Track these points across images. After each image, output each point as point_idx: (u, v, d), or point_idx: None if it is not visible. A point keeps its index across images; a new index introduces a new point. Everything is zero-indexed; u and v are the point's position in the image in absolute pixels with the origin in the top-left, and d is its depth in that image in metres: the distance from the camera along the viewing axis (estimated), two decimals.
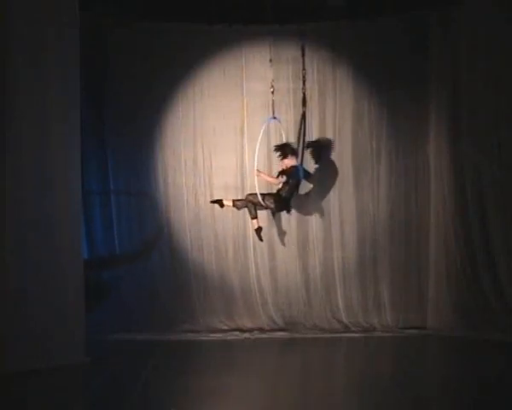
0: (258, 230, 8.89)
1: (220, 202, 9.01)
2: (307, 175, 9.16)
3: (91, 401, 6.47)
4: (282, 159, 8.86)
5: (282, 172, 8.86)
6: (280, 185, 8.86)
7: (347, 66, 9.53)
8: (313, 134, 9.47)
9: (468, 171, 9.05)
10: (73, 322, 7.60)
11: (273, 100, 9.10)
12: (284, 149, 8.86)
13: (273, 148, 8.97)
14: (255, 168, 8.79)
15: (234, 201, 9.00)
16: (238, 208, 9.02)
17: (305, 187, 9.35)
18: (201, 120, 9.57)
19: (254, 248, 9.55)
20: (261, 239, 8.93)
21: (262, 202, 8.75)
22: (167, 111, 9.59)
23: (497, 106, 8.82)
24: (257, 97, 9.45)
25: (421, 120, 9.48)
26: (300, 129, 9.31)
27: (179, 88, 9.58)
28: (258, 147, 8.67)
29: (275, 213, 9.10)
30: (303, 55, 9.39)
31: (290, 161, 8.84)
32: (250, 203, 8.85)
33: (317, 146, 9.41)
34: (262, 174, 8.93)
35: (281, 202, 8.85)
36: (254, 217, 8.88)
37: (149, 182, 9.58)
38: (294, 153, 8.90)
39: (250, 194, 8.92)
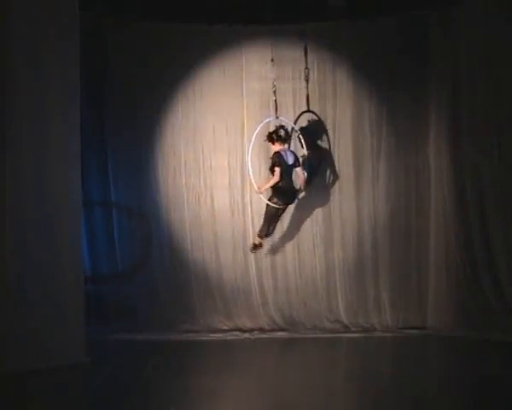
0: (258, 245, 9.02)
1: (260, 245, 9.10)
2: (296, 160, 8.94)
3: (91, 401, 6.47)
4: (272, 144, 8.87)
5: (271, 167, 8.85)
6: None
7: (347, 66, 9.53)
8: None
9: (468, 171, 9.05)
10: (73, 322, 7.59)
11: (275, 100, 9.11)
12: (271, 136, 8.86)
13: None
14: (256, 188, 8.86)
15: (260, 234, 9.03)
16: (269, 234, 9.05)
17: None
18: (201, 120, 9.57)
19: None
20: (253, 251, 9.14)
21: (277, 205, 8.79)
22: (167, 111, 9.59)
23: (497, 106, 8.81)
24: (257, 97, 9.46)
25: (421, 120, 9.48)
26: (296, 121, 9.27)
27: (179, 88, 9.58)
28: (249, 162, 8.84)
29: (285, 207, 9.02)
30: (306, 54, 9.38)
31: (275, 147, 8.84)
32: (269, 218, 8.89)
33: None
34: (263, 187, 8.89)
35: (283, 193, 8.83)
36: (264, 236, 9.00)
37: (149, 182, 9.58)
38: (281, 139, 8.82)
39: (267, 208, 8.91)
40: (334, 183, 9.53)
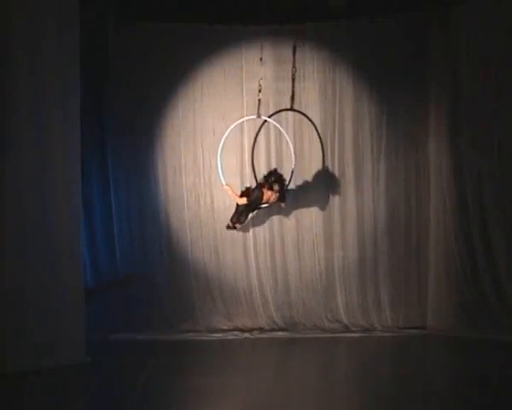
0: (231, 227, 8.82)
1: (233, 228, 8.91)
2: (281, 198, 8.65)
3: (91, 401, 6.46)
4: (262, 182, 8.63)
5: (243, 193, 8.70)
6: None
7: (347, 66, 9.53)
8: (313, 134, 9.47)
9: (468, 171, 9.05)
10: (73, 322, 7.60)
11: (259, 99, 9.10)
12: (266, 178, 8.59)
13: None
14: (223, 182, 8.70)
15: (231, 220, 8.82)
16: (241, 222, 8.81)
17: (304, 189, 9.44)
18: (201, 120, 9.57)
19: (254, 248, 9.56)
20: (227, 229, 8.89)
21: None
22: (167, 111, 9.59)
23: (497, 106, 8.81)
24: (257, 97, 9.44)
25: (421, 120, 9.49)
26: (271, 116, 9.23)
27: (179, 88, 9.58)
28: (219, 157, 8.74)
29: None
30: (294, 53, 9.39)
31: (263, 187, 8.56)
32: (239, 210, 8.74)
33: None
34: (229, 191, 8.70)
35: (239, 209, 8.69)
36: (235, 223, 8.78)
37: (149, 182, 9.57)
38: (270, 188, 8.47)
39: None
40: (333, 183, 9.52)
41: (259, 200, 8.60)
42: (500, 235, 8.79)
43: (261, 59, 9.27)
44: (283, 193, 8.64)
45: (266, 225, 9.50)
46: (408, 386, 6.75)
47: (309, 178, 9.47)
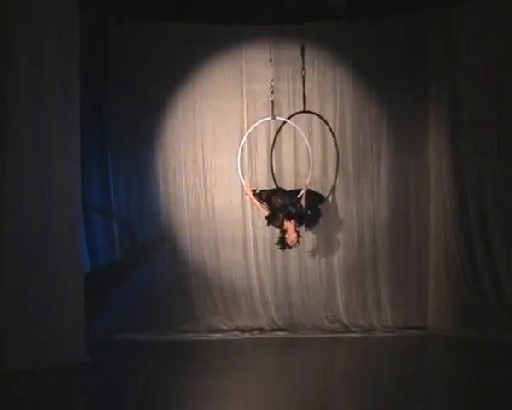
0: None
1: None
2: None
3: (91, 401, 6.46)
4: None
5: (267, 201, 8.52)
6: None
7: (347, 66, 9.53)
8: (313, 135, 9.47)
9: (468, 171, 9.05)
10: (73, 322, 7.59)
11: (272, 100, 9.11)
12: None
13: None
14: (245, 187, 8.72)
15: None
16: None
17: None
18: (201, 120, 9.57)
19: (254, 248, 9.55)
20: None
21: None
22: (167, 111, 9.58)
23: (497, 106, 8.81)
24: (257, 97, 9.46)
25: (421, 120, 9.49)
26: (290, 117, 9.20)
27: (179, 88, 9.58)
28: (238, 159, 8.67)
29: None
30: (303, 54, 9.39)
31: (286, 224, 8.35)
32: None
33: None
34: (252, 198, 8.62)
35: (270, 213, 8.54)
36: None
37: (149, 182, 9.57)
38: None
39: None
40: (334, 183, 9.52)
41: (280, 223, 8.37)
42: (500, 235, 8.79)
43: (270, 60, 9.28)
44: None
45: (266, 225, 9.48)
46: (408, 386, 6.75)
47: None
